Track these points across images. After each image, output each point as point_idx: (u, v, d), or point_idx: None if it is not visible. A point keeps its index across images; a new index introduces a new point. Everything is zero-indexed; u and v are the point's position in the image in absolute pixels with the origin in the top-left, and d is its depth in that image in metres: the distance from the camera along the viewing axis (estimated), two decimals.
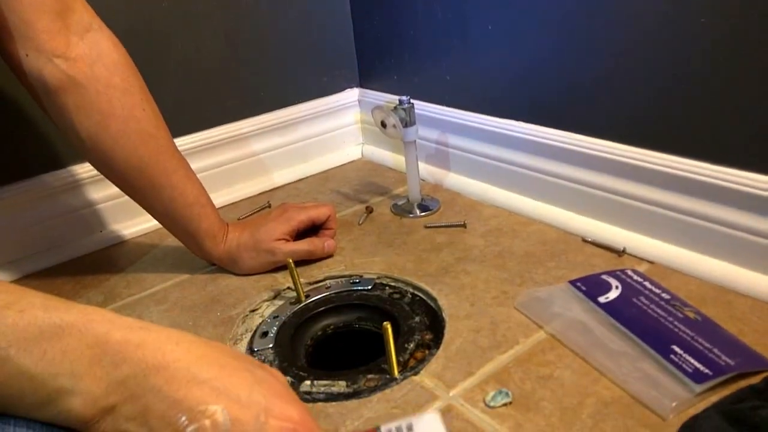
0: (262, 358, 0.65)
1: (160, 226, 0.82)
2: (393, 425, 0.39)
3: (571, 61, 0.78)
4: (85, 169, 0.92)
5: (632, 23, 0.70)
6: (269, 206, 1.01)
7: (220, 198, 1.02)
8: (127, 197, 0.78)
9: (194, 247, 0.81)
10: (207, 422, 0.31)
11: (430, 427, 0.39)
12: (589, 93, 0.78)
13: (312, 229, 0.84)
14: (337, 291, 0.76)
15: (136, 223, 0.96)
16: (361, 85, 1.17)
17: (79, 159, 0.92)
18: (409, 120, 0.87)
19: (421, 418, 0.40)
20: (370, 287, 0.76)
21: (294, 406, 0.33)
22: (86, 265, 0.90)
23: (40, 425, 0.32)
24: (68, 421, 0.32)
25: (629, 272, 0.70)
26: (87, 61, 0.68)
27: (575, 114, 0.80)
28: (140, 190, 0.75)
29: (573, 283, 0.69)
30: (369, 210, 0.95)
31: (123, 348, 0.31)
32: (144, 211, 0.78)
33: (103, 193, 0.93)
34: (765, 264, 0.64)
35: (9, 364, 0.30)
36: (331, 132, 1.15)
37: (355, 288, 0.76)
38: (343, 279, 0.78)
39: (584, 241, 0.79)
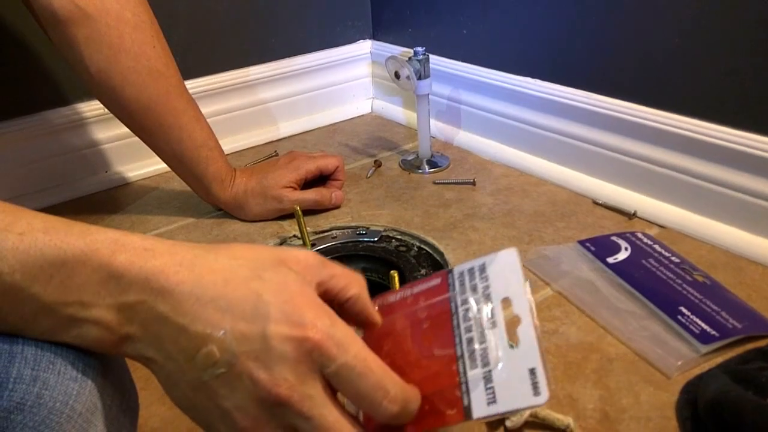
0: None
1: (166, 168, 0.81)
2: (465, 267, 0.37)
3: (591, 17, 0.76)
4: (90, 108, 0.91)
5: None
6: (276, 155, 1.00)
7: (225, 145, 0.99)
8: (132, 138, 0.77)
9: (201, 191, 0.80)
10: (213, 347, 0.30)
11: (505, 264, 0.35)
12: (607, 52, 0.76)
13: (320, 180, 0.83)
14: (343, 241, 0.76)
15: (141, 166, 0.95)
16: (374, 37, 1.14)
17: (86, 97, 0.90)
18: (423, 72, 0.85)
19: (495, 256, 0.36)
20: (376, 239, 0.75)
21: (308, 309, 0.30)
22: (90, 204, 0.90)
23: (48, 344, 0.32)
24: (86, 346, 0.32)
25: (639, 235, 0.70)
26: None
27: (592, 73, 0.78)
28: (148, 130, 0.73)
29: (582, 243, 0.69)
30: (377, 164, 0.94)
31: (128, 272, 0.30)
32: (149, 153, 0.77)
33: (109, 133, 0.92)
34: None
35: (17, 290, 0.30)
36: (341, 84, 1.13)
37: (362, 239, 0.76)
38: (349, 230, 0.78)
39: (595, 203, 0.78)
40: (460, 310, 0.35)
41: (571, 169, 0.83)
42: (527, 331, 0.32)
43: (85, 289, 0.30)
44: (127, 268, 0.30)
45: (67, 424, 0.30)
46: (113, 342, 0.32)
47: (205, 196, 0.81)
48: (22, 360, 0.30)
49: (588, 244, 0.68)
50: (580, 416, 0.49)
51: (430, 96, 0.89)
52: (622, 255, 0.66)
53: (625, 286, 0.62)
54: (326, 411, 0.30)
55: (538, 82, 0.85)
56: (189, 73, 0.95)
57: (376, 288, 0.70)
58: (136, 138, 0.76)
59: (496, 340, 0.32)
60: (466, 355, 0.33)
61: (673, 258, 0.66)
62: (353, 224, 0.79)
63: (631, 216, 0.74)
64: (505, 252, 0.35)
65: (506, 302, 0.34)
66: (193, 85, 0.96)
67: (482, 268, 0.36)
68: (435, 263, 0.71)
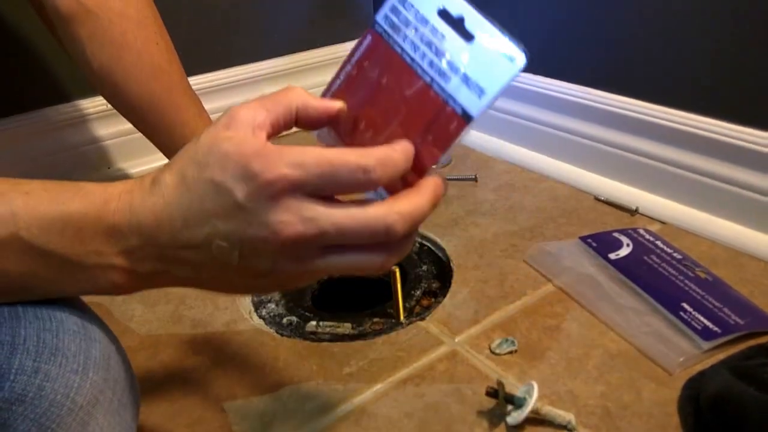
0: (268, 297, 0.65)
1: None
2: (386, 7, 0.36)
3: (591, 13, 0.76)
4: (92, 104, 0.91)
5: None
6: None
7: None
8: (134, 134, 0.76)
9: None
10: (217, 241, 0.31)
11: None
12: (608, 47, 0.76)
13: None
14: None
15: (143, 162, 0.95)
16: None
17: (87, 93, 0.90)
18: None
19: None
20: None
21: (252, 160, 0.30)
22: None
23: (50, 336, 0.32)
24: (122, 291, 0.34)
25: (641, 231, 0.70)
26: None
27: (593, 68, 0.78)
28: (151, 126, 0.73)
29: (584, 239, 0.68)
30: None
31: (120, 222, 0.32)
32: (152, 149, 0.77)
33: (111, 129, 0.92)
34: None
35: (38, 246, 0.31)
36: None
37: None
38: None
39: (597, 199, 0.78)
40: (405, 46, 0.34)
41: (573, 165, 0.83)
42: (475, 20, 0.32)
43: (95, 240, 0.32)
44: (119, 219, 0.32)
45: (68, 416, 0.30)
46: (143, 280, 0.34)
47: None
48: (24, 351, 0.31)
49: (590, 240, 0.68)
50: (582, 412, 0.49)
51: None
52: (624, 251, 0.66)
53: (626, 282, 0.62)
54: (333, 216, 0.31)
55: (540, 78, 0.85)
56: (192, 69, 0.95)
57: (378, 285, 0.70)
58: (138, 134, 0.76)
59: (452, 46, 0.33)
60: (436, 76, 0.33)
61: (674, 254, 0.65)
62: None
63: (633, 212, 0.74)
64: None
65: (442, 13, 0.33)
66: (196, 81, 0.96)
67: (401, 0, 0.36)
68: (436, 259, 0.71)
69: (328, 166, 0.30)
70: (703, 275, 0.62)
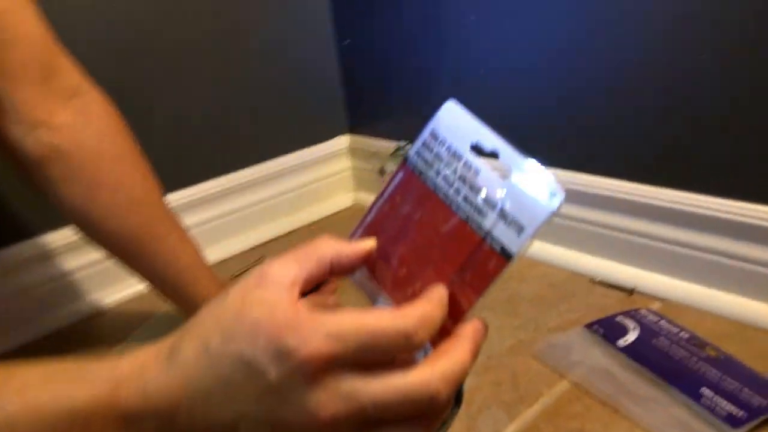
0: None
1: (146, 291, 0.78)
2: (418, 144, 0.36)
3: (574, 98, 0.78)
4: (59, 237, 0.87)
5: (639, 61, 0.71)
6: (261, 261, 0.98)
7: (208, 255, 0.97)
8: (105, 262, 0.74)
9: (191, 314, 0.77)
10: (243, 425, 0.29)
11: (451, 119, 0.35)
12: (594, 130, 0.78)
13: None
14: None
15: (119, 289, 0.90)
16: (351, 131, 1.15)
17: (53, 226, 0.86)
18: None
19: (437, 118, 0.36)
20: None
21: (286, 335, 0.28)
22: (69, 338, 0.85)
23: None
24: None
25: (644, 312, 0.69)
26: (72, 129, 0.64)
27: (579, 151, 0.80)
28: (132, 258, 0.71)
29: (589, 326, 0.68)
30: None
31: (134, 408, 0.30)
32: (127, 276, 0.74)
33: (80, 260, 0.87)
34: None
35: None
36: (321, 181, 1.13)
37: None
38: None
39: (592, 282, 0.78)
40: (439, 182, 0.34)
41: (566, 248, 0.83)
42: (510, 156, 0.32)
43: (107, 431, 0.30)
44: (132, 404, 0.30)
45: None
46: None
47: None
48: None
49: (596, 327, 0.67)
50: None
51: None
52: (632, 335, 0.65)
53: (641, 370, 0.60)
54: (373, 391, 0.29)
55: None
56: (167, 186, 0.94)
57: None
58: (110, 262, 0.73)
59: (487, 181, 0.32)
60: (472, 212, 0.32)
61: (681, 333, 0.65)
62: None
63: (630, 292, 0.74)
64: (443, 109, 0.36)
65: (475, 148, 0.33)
66: (170, 198, 0.95)
67: (434, 135, 0.36)
68: None
69: (367, 336, 0.28)
70: (713, 353, 0.61)
